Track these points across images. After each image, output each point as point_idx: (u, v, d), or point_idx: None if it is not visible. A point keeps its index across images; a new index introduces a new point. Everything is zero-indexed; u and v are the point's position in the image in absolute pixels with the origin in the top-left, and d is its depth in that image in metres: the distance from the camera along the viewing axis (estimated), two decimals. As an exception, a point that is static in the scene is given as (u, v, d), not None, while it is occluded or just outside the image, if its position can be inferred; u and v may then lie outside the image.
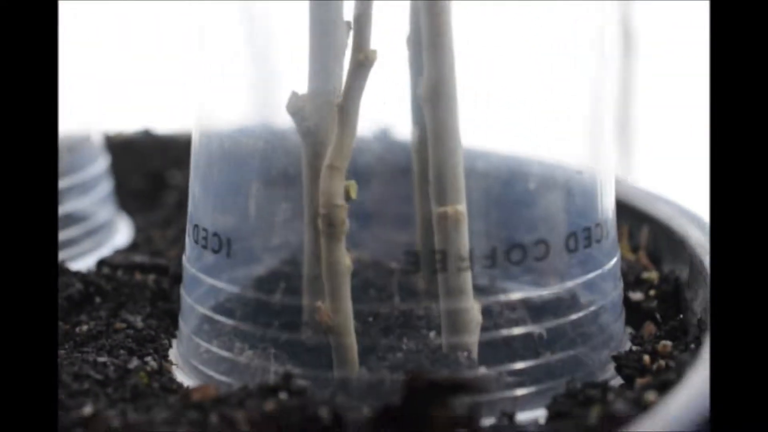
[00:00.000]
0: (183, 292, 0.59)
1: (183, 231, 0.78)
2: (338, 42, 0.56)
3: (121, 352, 0.57)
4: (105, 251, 0.76)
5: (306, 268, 0.58)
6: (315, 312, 0.54)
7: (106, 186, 0.79)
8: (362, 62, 0.53)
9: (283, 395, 0.49)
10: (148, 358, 0.56)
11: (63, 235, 0.75)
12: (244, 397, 0.48)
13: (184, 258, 0.60)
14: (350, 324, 0.54)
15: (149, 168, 0.93)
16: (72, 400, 0.50)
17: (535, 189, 0.56)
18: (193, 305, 0.58)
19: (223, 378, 0.55)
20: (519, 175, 0.57)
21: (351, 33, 0.55)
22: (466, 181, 0.54)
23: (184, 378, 0.56)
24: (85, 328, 0.60)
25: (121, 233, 0.80)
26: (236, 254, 0.56)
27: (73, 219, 0.77)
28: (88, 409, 0.48)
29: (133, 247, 0.76)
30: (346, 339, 0.54)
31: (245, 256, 0.57)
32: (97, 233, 0.77)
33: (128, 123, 0.99)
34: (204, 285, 0.58)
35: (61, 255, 0.73)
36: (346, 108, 0.54)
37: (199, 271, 0.58)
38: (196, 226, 0.57)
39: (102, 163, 0.79)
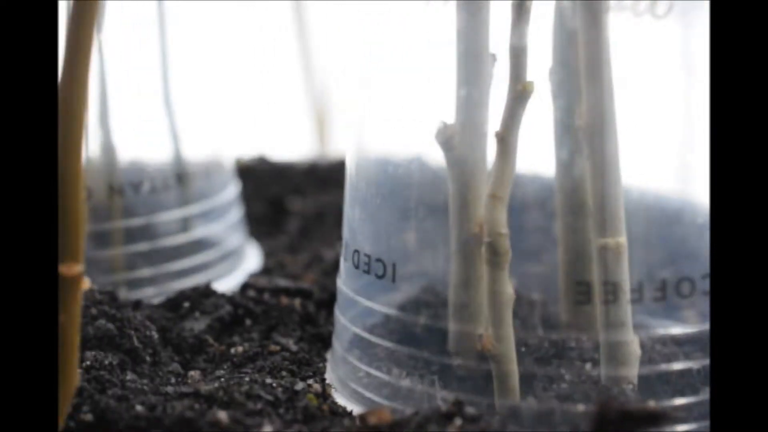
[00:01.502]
0: (337, 312, 0.60)
1: (314, 257, 0.79)
2: (485, 73, 0.57)
3: (283, 373, 0.58)
4: (238, 276, 0.77)
5: (452, 295, 0.59)
6: (477, 339, 0.55)
7: (237, 212, 0.81)
8: (521, 93, 0.54)
9: (458, 421, 0.50)
10: (310, 381, 0.57)
11: (196, 260, 0.77)
12: (422, 423, 0.49)
13: (339, 280, 0.61)
14: (513, 352, 0.55)
15: (269, 194, 0.94)
16: (249, 418, 0.51)
17: (703, 223, 0.57)
18: (347, 325, 0.59)
19: (385, 402, 0.56)
20: (687, 208, 0.57)
21: (496, 63, 0.56)
22: (632, 213, 0.55)
23: (343, 401, 0.57)
24: (240, 349, 0.61)
25: (251, 258, 0.81)
26: (398, 279, 0.57)
27: (206, 244, 0.78)
28: (267, 429, 0.49)
29: (266, 271, 0.77)
30: (508, 367, 0.55)
31: (406, 281, 0.58)
32: (228, 258, 0.79)
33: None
34: (359, 306, 0.59)
35: (195, 280, 0.74)
36: (507, 139, 0.55)
37: (357, 294, 0.58)
38: (356, 251, 0.58)
39: (233, 189, 0.81)
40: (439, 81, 0.59)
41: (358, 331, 0.58)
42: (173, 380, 0.58)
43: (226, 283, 0.74)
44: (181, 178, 0.75)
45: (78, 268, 0.48)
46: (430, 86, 0.61)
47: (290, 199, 0.94)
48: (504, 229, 0.54)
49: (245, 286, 0.68)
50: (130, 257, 0.75)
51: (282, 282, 0.69)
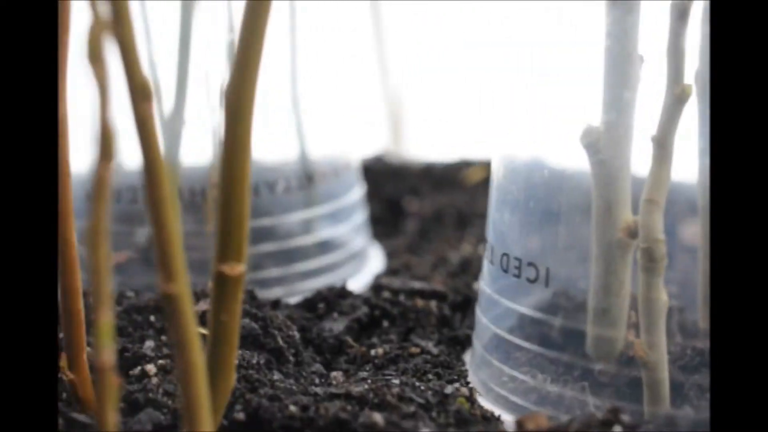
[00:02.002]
0: (479, 313, 0.60)
1: (439, 258, 0.79)
2: (633, 75, 0.56)
3: (429, 376, 0.58)
4: (363, 278, 0.77)
5: (592, 300, 0.58)
6: (629, 346, 0.54)
7: (362, 213, 0.81)
8: (679, 96, 0.54)
9: (617, 429, 0.49)
10: (457, 384, 0.56)
11: (322, 261, 0.77)
12: (580, 430, 0.49)
13: (481, 282, 0.60)
14: (665, 360, 0.54)
15: (385, 195, 0.94)
16: (405, 421, 0.50)
17: None
18: (489, 326, 0.59)
19: (534, 407, 0.55)
20: None
21: (643, 65, 0.55)
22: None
23: (489, 405, 0.57)
24: (380, 351, 0.61)
25: (375, 260, 0.81)
26: (550, 283, 0.56)
27: (332, 245, 0.78)
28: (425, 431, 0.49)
29: (392, 273, 0.77)
30: (660, 375, 0.54)
31: (557, 284, 0.58)
32: (354, 259, 0.79)
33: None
34: (503, 308, 0.58)
35: (321, 281, 0.75)
36: (663, 142, 0.54)
37: (501, 296, 0.58)
38: (504, 254, 0.58)
39: (359, 190, 0.81)
40: (587, 83, 0.59)
41: (502, 333, 0.58)
42: (317, 381, 0.58)
43: (353, 284, 0.74)
44: (310, 179, 0.75)
45: (240, 268, 0.48)
46: (578, 88, 0.60)
47: (407, 201, 0.94)
48: (661, 235, 0.53)
49: (379, 288, 0.68)
50: (257, 257, 0.75)
51: (416, 284, 0.68)
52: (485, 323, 0.59)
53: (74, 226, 0.53)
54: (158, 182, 0.44)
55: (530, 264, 0.56)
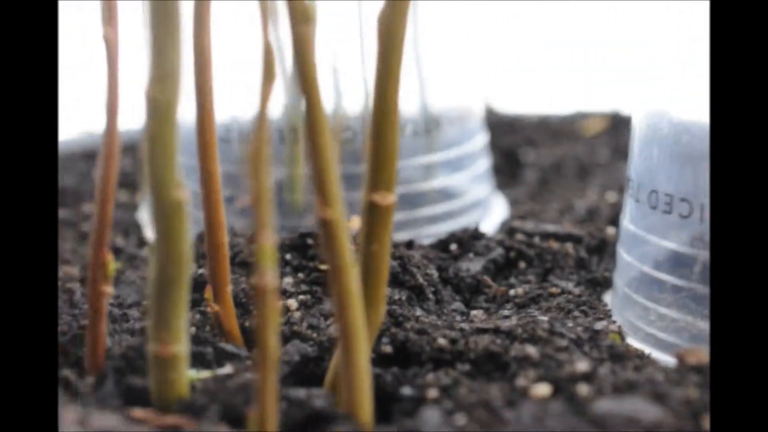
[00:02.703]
0: (622, 251, 0.59)
1: (565, 206, 0.78)
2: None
3: (576, 314, 0.56)
4: (490, 223, 0.76)
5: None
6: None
7: (485, 161, 0.79)
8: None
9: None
10: (604, 322, 0.55)
11: (446, 207, 0.76)
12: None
13: (623, 220, 0.59)
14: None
15: (501, 146, 0.93)
16: (559, 354, 0.49)
17: None
18: (633, 263, 0.57)
19: (684, 345, 0.54)
20: None
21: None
22: None
23: (636, 343, 0.55)
24: (520, 290, 0.60)
25: (499, 207, 0.80)
26: (704, 219, 0.55)
27: (455, 192, 0.77)
28: (582, 365, 0.47)
29: (520, 218, 0.76)
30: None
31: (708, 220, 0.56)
32: (478, 207, 0.78)
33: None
34: (652, 245, 0.57)
35: (444, 227, 0.73)
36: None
37: (649, 233, 0.57)
38: (653, 191, 0.56)
39: (482, 138, 0.79)
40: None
41: (649, 270, 0.56)
42: (458, 318, 0.57)
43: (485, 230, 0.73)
44: (437, 123, 0.74)
45: (391, 197, 0.47)
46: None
47: (523, 151, 0.93)
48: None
49: (512, 231, 0.67)
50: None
51: (550, 227, 0.67)
52: (630, 261, 0.58)
53: (217, 160, 0.53)
54: (316, 110, 0.44)
55: (683, 200, 0.54)
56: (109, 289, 0.50)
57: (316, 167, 0.44)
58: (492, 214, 0.78)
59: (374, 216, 0.47)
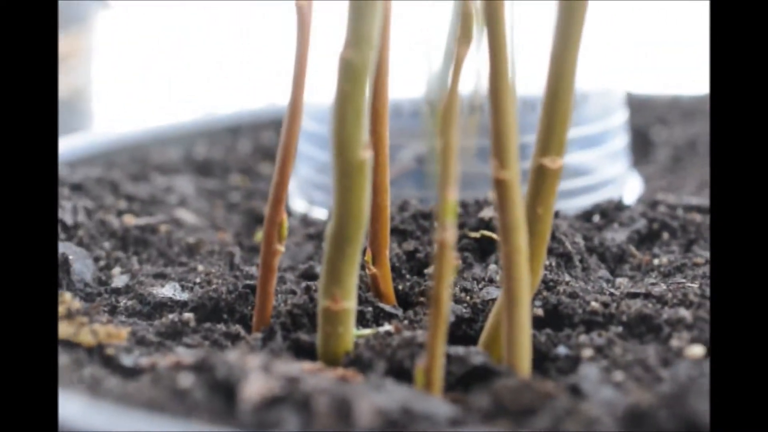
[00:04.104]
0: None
1: (701, 182, 0.78)
2: None
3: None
4: (629, 196, 0.77)
5: None
6: None
7: (624, 138, 0.80)
8: None
9: None
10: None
11: (583, 181, 0.77)
12: None
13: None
14: None
15: (633, 125, 0.93)
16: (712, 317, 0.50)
17: None
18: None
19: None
20: None
21: None
22: None
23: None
24: (664, 260, 0.61)
25: (634, 183, 0.81)
26: None
27: (593, 168, 0.78)
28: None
29: (654, 192, 0.77)
30: None
31: None
32: (614, 183, 0.79)
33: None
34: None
35: (578, 203, 0.75)
36: None
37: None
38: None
39: (621, 115, 0.80)
40: None
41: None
42: (604, 285, 0.59)
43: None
44: (579, 99, 0.75)
45: (560, 161, 0.49)
46: None
47: (655, 130, 0.93)
48: None
49: (655, 203, 0.68)
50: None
51: (693, 199, 0.68)
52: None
53: (386, 124, 0.55)
54: (501, 71, 0.45)
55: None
56: (282, 248, 0.53)
57: (496, 130, 0.46)
58: (629, 190, 0.79)
59: (542, 179, 0.49)
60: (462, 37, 0.45)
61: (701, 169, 0.84)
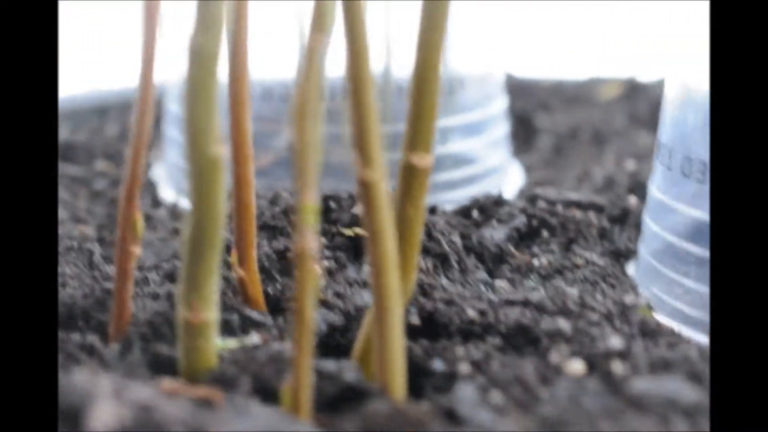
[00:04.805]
0: (648, 219, 0.58)
1: (583, 173, 0.77)
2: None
3: (603, 287, 0.56)
4: (508, 189, 0.75)
5: None
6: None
7: (504, 126, 0.78)
8: None
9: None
10: (632, 296, 0.54)
11: (461, 173, 0.75)
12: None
13: (652, 187, 0.58)
14: None
15: (515, 111, 0.91)
16: (593, 329, 0.49)
17: None
18: (659, 233, 0.57)
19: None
20: None
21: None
22: None
23: (662, 318, 0.55)
24: (544, 261, 0.59)
25: (515, 174, 0.79)
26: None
27: (471, 158, 0.76)
28: (615, 342, 0.47)
29: (537, 185, 0.75)
30: None
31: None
32: (495, 173, 0.77)
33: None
34: (680, 215, 0.56)
35: (461, 193, 0.73)
36: None
37: (678, 201, 0.56)
38: (687, 158, 0.55)
39: (501, 102, 0.78)
40: None
41: (679, 241, 0.56)
42: (483, 288, 0.57)
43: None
44: (461, 84, 0.73)
45: (429, 159, 0.46)
46: None
47: (538, 117, 0.92)
48: None
49: (534, 198, 0.66)
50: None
51: (573, 195, 0.66)
52: (657, 231, 0.57)
53: (248, 113, 0.52)
54: (361, 67, 0.42)
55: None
56: (137, 250, 0.49)
57: (358, 126, 0.43)
58: (509, 181, 0.77)
59: (411, 178, 0.46)
60: (317, 27, 0.41)
61: (582, 159, 0.82)
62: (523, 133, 0.90)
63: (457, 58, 0.75)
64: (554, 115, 0.92)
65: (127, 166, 0.48)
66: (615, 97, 0.94)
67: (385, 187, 0.43)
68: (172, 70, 0.74)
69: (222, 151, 0.43)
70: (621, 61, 1.02)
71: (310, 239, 0.42)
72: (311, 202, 0.41)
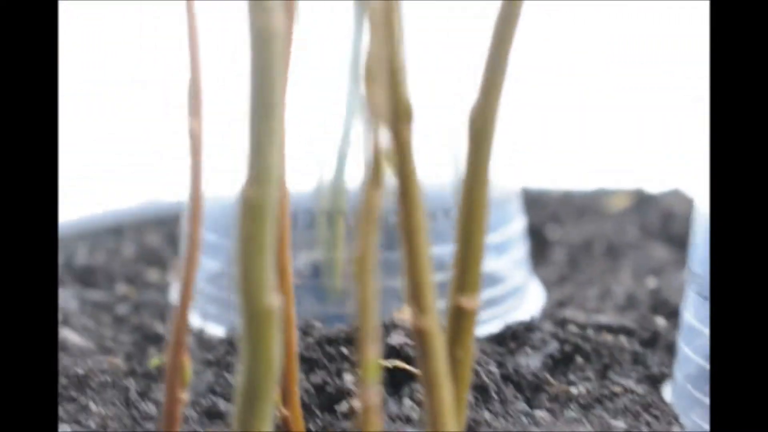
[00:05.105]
0: (682, 343, 0.58)
1: (605, 291, 0.77)
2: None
3: (646, 417, 0.56)
4: (521, 313, 0.75)
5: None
6: None
7: (524, 245, 0.79)
8: None
9: None
10: (676, 427, 0.54)
11: (485, 294, 0.75)
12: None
13: (686, 313, 0.58)
14: None
15: (528, 223, 0.92)
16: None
17: None
18: (693, 357, 0.57)
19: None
20: None
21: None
22: None
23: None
24: (582, 389, 0.59)
25: (535, 291, 0.79)
26: None
27: (496, 278, 0.76)
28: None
29: (560, 304, 0.75)
30: None
31: None
32: (517, 292, 0.77)
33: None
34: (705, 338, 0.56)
35: (485, 315, 0.72)
36: None
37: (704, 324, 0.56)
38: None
39: (520, 221, 0.79)
40: None
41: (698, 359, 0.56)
42: (524, 420, 0.56)
43: (521, 317, 0.72)
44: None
45: (477, 300, 0.46)
46: None
47: (550, 228, 0.92)
48: None
49: (564, 321, 0.66)
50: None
51: (602, 318, 0.66)
52: (690, 356, 0.57)
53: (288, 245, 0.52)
54: (413, 210, 0.43)
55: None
56: (185, 395, 0.49)
57: (412, 271, 0.43)
58: (531, 299, 0.77)
59: (460, 320, 0.46)
60: (373, 181, 0.42)
61: (597, 274, 0.82)
62: (537, 246, 0.90)
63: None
64: (566, 227, 0.92)
65: (174, 315, 0.48)
66: (624, 209, 0.95)
67: (439, 334, 0.43)
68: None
69: (276, 301, 0.43)
70: (625, 171, 1.03)
71: (374, 395, 0.41)
72: (373, 357, 0.41)
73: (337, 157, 0.71)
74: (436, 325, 0.43)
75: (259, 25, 0.39)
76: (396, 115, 0.42)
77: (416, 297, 0.43)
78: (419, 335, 0.43)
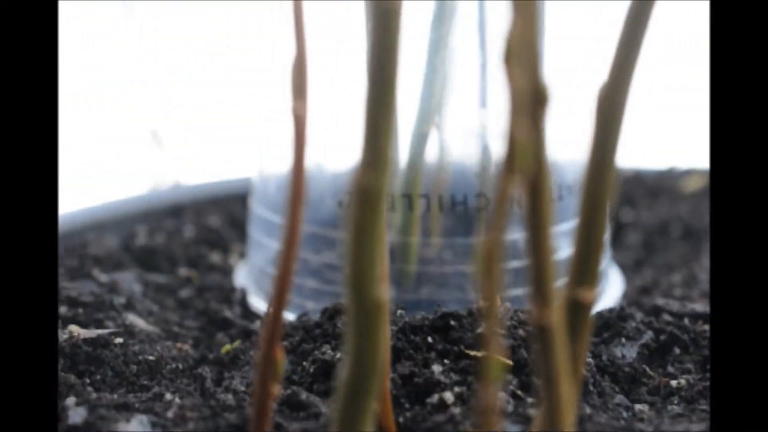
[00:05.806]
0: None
1: (689, 276, 0.73)
2: None
3: None
4: (606, 299, 0.71)
5: None
6: None
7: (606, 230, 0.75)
8: None
9: None
10: None
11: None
12: None
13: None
14: None
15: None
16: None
17: None
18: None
19: None
20: None
21: None
22: None
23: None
24: (683, 381, 0.56)
25: (616, 277, 0.76)
26: None
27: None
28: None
29: (644, 291, 0.72)
30: None
31: None
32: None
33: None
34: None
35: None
36: None
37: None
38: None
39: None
40: None
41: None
42: (624, 414, 0.53)
43: (605, 303, 0.69)
44: (565, 192, 0.70)
45: (594, 294, 0.44)
46: None
47: (624, 212, 0.88)
48: None
49: (657, 310, 0.63)
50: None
51: (698, 307, 0.63)
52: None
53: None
54: (541, 203, 0.39)
55: None
56: (278, 390, 0.45)
57: (536, 263, 0.40)
58: (612, 286, 0.74)
59: (577, 313, 0.43)
60: (509, 168, 0.38)
61: (679, 259, 0.79)
62: (612, 230, 0.86)
63: (564, 163, 0.72)
64: (638, 209, 0.88)
65: (270, 309, 0.45)
66: (699, 189, 0.91)
67: (562, 331, 0.40)
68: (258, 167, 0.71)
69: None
70: (696, 150, 0.99)
71: (495, 395, 0.38)
72: (498, 355, 0.38)
73: (413, 138, 0.67)
74: (560, 320, 0.40)
75: (382, 5, 0.37)
76: (534, 99, 0.39)
77: (538, 291, 0.40)
78: (540, 330, 0.40)
